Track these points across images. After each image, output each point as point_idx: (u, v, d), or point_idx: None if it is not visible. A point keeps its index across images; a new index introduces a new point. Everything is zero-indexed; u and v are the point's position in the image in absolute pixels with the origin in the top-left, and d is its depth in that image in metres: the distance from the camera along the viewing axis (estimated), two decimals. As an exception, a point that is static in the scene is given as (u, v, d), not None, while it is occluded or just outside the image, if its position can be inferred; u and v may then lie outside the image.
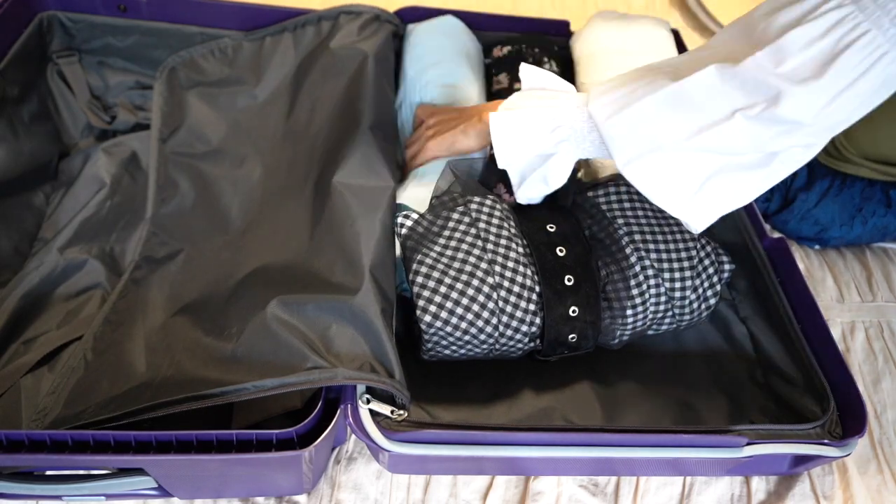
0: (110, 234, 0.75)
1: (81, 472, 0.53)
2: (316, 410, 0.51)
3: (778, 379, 0.65)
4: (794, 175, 0.82)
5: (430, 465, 0.59)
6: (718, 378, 0.66)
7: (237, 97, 0.82)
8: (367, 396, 0.53)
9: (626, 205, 0.64)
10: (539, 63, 0.85)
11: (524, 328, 0.58)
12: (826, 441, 0.56)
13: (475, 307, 0.56)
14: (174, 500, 0.58)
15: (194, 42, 0.83)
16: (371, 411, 0.53)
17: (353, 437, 0.61)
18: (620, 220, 0.63)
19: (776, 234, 0.73)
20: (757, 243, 0.73)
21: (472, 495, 0.61)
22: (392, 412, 0.53)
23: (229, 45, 0.83)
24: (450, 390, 0.64)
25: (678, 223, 0.63)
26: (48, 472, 0.54)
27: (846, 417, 0.58)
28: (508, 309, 0.57)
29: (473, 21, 0.88)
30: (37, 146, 0.78)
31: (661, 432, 0.55)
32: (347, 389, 0.53)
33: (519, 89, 0.72)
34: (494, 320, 0.56)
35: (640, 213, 0.64)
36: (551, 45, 0.89)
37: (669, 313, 0.62)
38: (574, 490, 0.61)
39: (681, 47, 0.89)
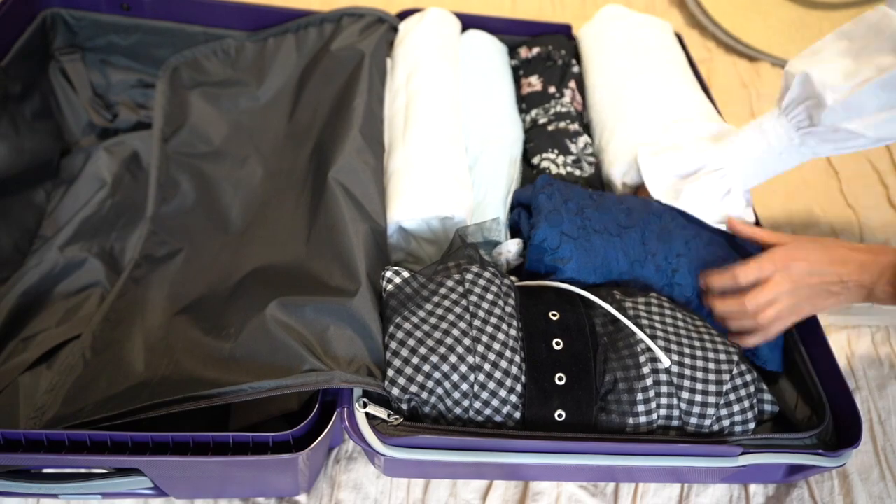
0: (110, 232, 0.75)
1: (78, 470, 0.53)
2: (312, 413, 0.51)
3: (775, 388, 0.65)
4: None
5: (427, 470, 0.59)
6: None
7: (239, 98, 0.82)
8: (364, 400, 0.53)
9: (655, 309, 0.58)
10: (568, 66, 0.85)
11: (497, 418, 0.53)
12: (820, 451, 0.56)
13: (446, 384, 0.52)
14: (174, 500, 0.58)
15: (197, 41, 0.84)
16: (367, 415, 0.53)
17: (350, 438, 0.61)
18: (645, 321, 0.56)
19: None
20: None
21: (472, 495, 0.61)
22: (388, 416, 0.52)
23: (232, 46, 0.83)
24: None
25: (722, 342, 0.57)
26: (45, 471, 0.54)
27: (842, 428, 0.58)
28: (484, 395, 0.52)
29: (476, 24, 0.88)
30: (38, 144, 0.78)
31: (656, 441, 0.55)
32: (344, 392, 0.53)
33: (553, 93, 0.74)
34: (466, 403, 0.52)
35: (668, 320, 0.57)
36: (572, 46, 0.88)
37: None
38: (574, 490, 0.61)
39: (684, 50, 0.89)
